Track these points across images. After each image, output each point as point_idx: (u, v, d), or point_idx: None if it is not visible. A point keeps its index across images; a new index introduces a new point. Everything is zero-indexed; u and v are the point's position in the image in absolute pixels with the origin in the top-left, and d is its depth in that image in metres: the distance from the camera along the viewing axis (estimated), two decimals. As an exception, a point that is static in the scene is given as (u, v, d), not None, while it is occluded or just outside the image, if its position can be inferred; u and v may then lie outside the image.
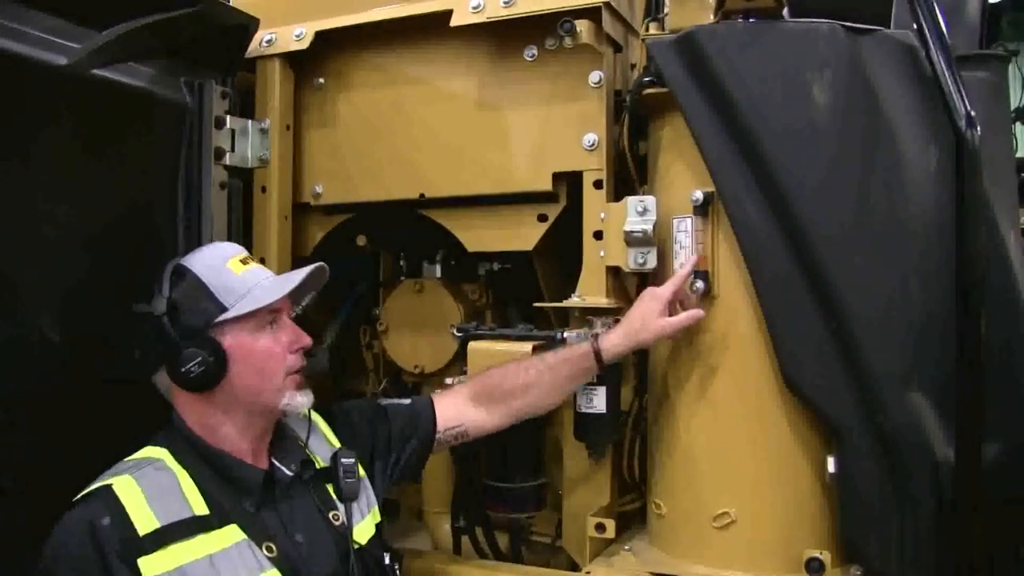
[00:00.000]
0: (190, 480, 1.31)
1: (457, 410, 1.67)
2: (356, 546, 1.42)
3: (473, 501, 1.92)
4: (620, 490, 1.95)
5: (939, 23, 1.52)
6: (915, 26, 1.55)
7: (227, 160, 2.00)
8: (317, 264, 1.49)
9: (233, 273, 1.39)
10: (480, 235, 1.98)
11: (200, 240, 1.96)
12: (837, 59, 1.59)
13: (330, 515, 1.43)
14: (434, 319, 2.14)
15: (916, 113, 1.60)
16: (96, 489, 1.26)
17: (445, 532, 2.09)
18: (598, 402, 1.73)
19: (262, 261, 2.07)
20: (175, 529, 1.24)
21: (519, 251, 1.96)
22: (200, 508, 1.28)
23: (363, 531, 1.47)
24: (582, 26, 1.72)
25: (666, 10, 1.77)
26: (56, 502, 1.29)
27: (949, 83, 1.49)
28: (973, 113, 1.47)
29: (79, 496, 1.27)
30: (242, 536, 1.29)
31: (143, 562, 1.20)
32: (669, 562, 1.72)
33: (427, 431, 1.64)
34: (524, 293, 2.09)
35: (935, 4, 1.52)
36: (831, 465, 1.58)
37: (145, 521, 1.23)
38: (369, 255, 2.33)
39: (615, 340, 1.64)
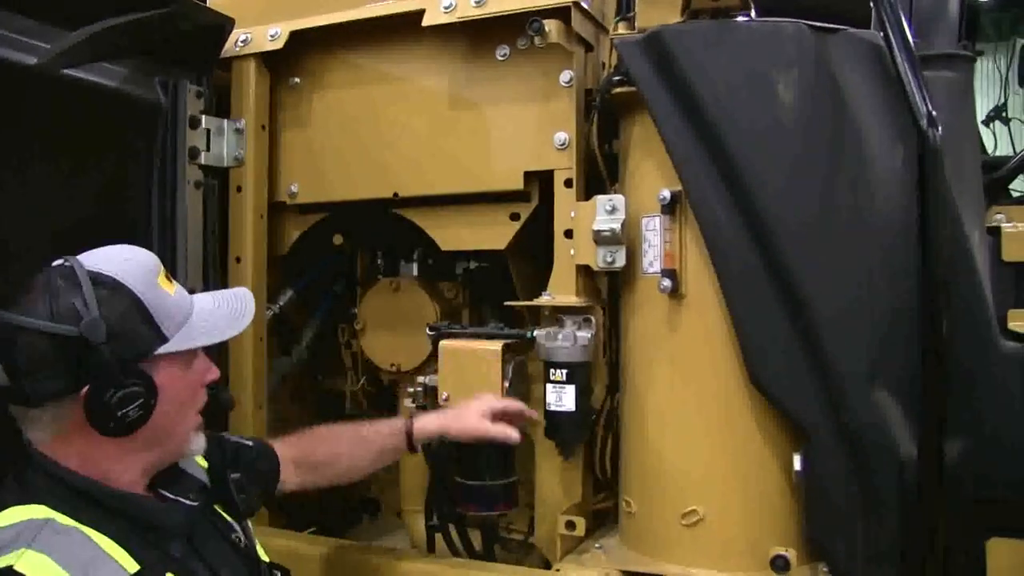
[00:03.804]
0: (100, 535, 1.07)
1: (282, 467, 1.56)
2: (263, 564, 1.33)
3: (446, 499, 1.93)
4: (594, 488, 1.96)
5: (902, 23, 1.52)
6: (879, 26, 1.55)
7: (202, 159, 2.02)
8: (245, 290, 1.36)
9: (167, 293, 1.17)
10: (453, 234, 1.99)
11: (176, 239, 1.98)
12: (803, 58, 1.59)
13: (232, 537, 1.30)
14: (410, 318, 2.15)
15: (882, 112, 1.61)
16: None
17: (421, 530, 2.10)
18: (567, 400, 1.73)
19: (238, 260, 2.09)
20: None
21: (493, 250, 1.97)
22: (131, 565, 1.07)
23: (261, 548, 1.37)
24: (551, 26, 1.73)
25: (635, 9, 1.77)
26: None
27: (912, 83, 1.50)
28: (935, 113, 1.47)
29: None
30: None
31: None
32: (639, 560, 1.73)
33: (273, 476, 1.53)
34: (500, 292, 2.09)
35: (899, 4, 1.53)
36: (797, 463, 1.59)
37: None
38: (347, 254, 2.33)
39: (427, 423, 1.66)
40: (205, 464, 1.37)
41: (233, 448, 1.47)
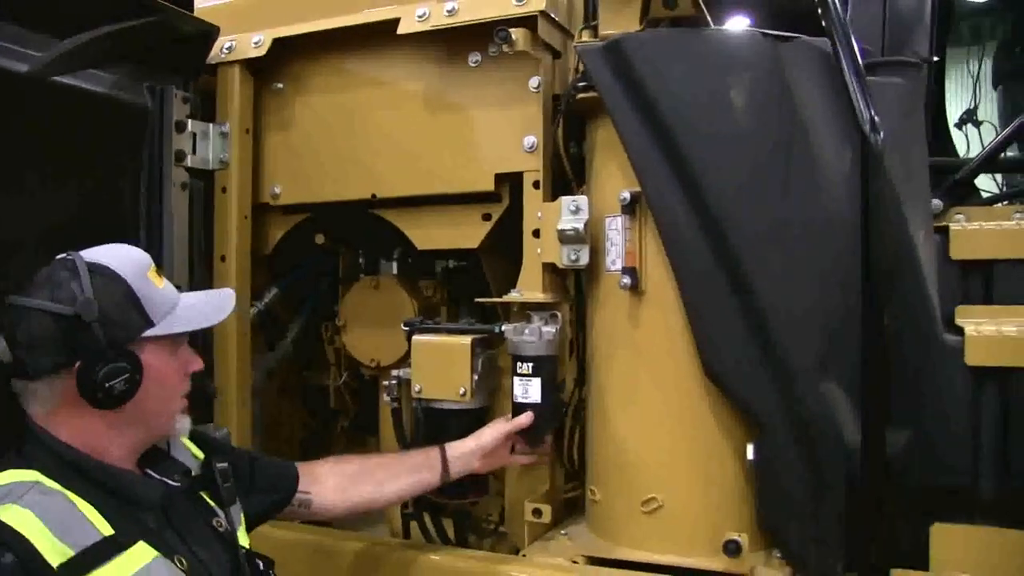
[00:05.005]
0: (82, 500, 1.17)
1: (314, 479, 1.64)
2: (243, 550, 1.39)
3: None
4: (565, 478, 2.03)
5: (848, 31, 1.59)
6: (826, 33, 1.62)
7: (188, 162, 2.10)
8: (229, 290, 1.47)
9: (156, 285, 1.29)
10: (428, 233, 2.07)
11: (163, 238, 2.06)
12: (756, 65, 1.66)
13: (214, 522, 1.37)
14: (390, 315, 2.21)
15: (832, 117, 1.67)
16: None
17: (398, 518, 2.17)
18: (533, 393, 1.80)
19: (223, 259, 2.18)
20: (90, 554, 1.12)
21: (468, 249, 2.05)
22: (106, 528, 1.16)
23: (243, 535, 1.43)
24: (518, 34, 1.80)
25: (599, 18, 1.84)
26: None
27: (856, 89, 1.57)
28: (877, 119, 1.54)
29: None
30: (155, 553, 1.20)
31: None
32: (602, 546, 1.80)
33: (289, 480, 1.61)
34: (477, 290, 2.17)
35: (844, 12, 1.60)
36: (750, 452, 1.66)
37: (55, 551, 1.09)
38: (331, 253, 2.41)
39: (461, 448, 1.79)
40: (201, 455, 1.46)
41: (247, 456, 1.59)
